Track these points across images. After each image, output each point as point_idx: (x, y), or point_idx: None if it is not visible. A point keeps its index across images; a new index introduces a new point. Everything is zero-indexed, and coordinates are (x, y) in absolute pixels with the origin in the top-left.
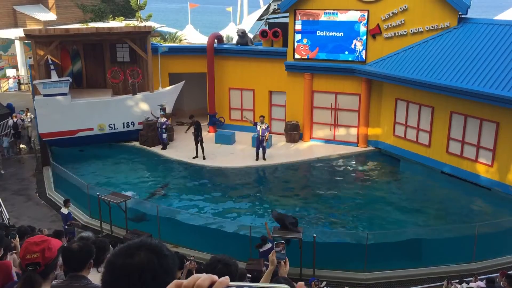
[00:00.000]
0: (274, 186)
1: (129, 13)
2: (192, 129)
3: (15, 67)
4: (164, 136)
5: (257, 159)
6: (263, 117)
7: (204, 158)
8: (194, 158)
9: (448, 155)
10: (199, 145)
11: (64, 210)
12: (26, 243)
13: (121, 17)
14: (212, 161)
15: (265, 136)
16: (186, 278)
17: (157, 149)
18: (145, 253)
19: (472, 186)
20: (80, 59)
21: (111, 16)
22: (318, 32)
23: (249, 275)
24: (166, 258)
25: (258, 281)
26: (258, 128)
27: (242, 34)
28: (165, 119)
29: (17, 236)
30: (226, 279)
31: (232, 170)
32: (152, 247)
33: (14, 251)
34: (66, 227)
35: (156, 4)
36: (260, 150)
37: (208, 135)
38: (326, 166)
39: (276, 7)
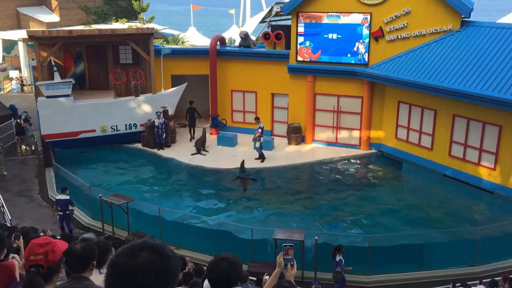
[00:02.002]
0: (276, 188)
1: (132, 15)
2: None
3: (18, 68)
4: (164, 136)
5: (257, 158)
6: (258, 118)
7: (191, 139)
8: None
9: (450, 158)
10: (192, 128)
11: (64, 196)
12: (31, 244)
13: (124, 19)
14: (214, 163)
15: (255, 136)
16: (184, 280)
17: (160, 151)
18: (148, 254)
19: (474, 189)
20: (82, 61)
21: (114, 18)
22: (320, 34)
23: (254, 278)
24: (169, 258)
25: (261, 284)
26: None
27: (245, 37)
28: (163, 119)
29: (21, 237)
30: None
31: (234, 172)
32: (155, 248)
33: (15, 254)
34: (68, 212)
35: (159, 6)
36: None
37: (210, 137)
38: (328, 169)
39: (278, 9)
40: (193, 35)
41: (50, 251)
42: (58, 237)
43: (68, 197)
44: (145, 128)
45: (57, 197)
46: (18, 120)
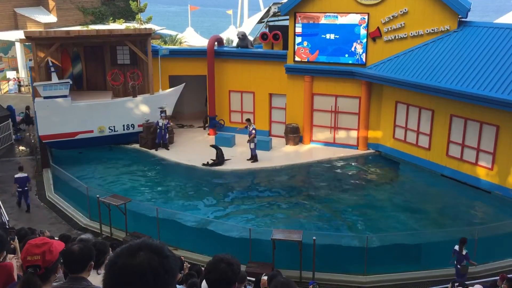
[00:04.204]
0: (273, 189)
1: (130, 15)
2: None
3: (16, 69)
4: (166, 136)
5: (249, 159)
6: (249, 119)
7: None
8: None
9: (448, 158)
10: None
11: (22, 174)
12: (28, 244)
13: (122, 19)
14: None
15: (250, 137)
16: (184, 279)
17: (157, 152)
18: (147, 254)
19: (472, 189)
20: (80, 61)
21: (111, 18)
22: (318, 35)
23: (252, 279)
24: (168, 258)
25: (259, 285)
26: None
27: (243, 37)
28: (167, 121)
29: (16, 237)
30: None
31: (232, 173)
32: (153, 248)
33: (13, 255)
34: (26, 188)
35: (157, 6)
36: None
37: (208, 138)
38: (326, 169)
39: (276, 10)
40: (190, 35)
41: (47, 251)
42: (56, 238)
43: (26, 175)
44: (143, 128)
45: (16, 176)
46: (27, 111)
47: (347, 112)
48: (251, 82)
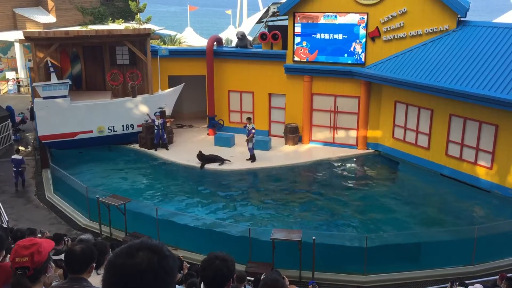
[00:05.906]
0: (273, 189)
1: (129, 15)
2: None
3: (15, 69)
4: (165, 136)
5: (248, 159)
6: (249, 118)
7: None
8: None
9: (447, 158)
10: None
11: (18, 156)
12: (16, 246)
13: (121, 19)
14: (211, 164)
15: (248, 137)
16: (184, 279)
17: (157, 152)
18: (146, 254)
19: (471, 188)
20: (79, 62)
21: (110, 18)
22: (317, 34)
23: (251, 278)
24: (167, 258)
25: (258, 285)
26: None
27: (242, 37)
28: (161, 119)
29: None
30: None
31: (231, 173)
32: (152, 248)
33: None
34: (20, 169)
35: (156, 6)
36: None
37: (207, 138)
38: (325, 169)
39: (275, 9)
40: (190, 35)
41: (36, 252)
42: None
43: (21, 157)
44: (142, 128)
45: (12, 157)
46: (32, 106)
47: (347, 112)
48: (250, 82)
